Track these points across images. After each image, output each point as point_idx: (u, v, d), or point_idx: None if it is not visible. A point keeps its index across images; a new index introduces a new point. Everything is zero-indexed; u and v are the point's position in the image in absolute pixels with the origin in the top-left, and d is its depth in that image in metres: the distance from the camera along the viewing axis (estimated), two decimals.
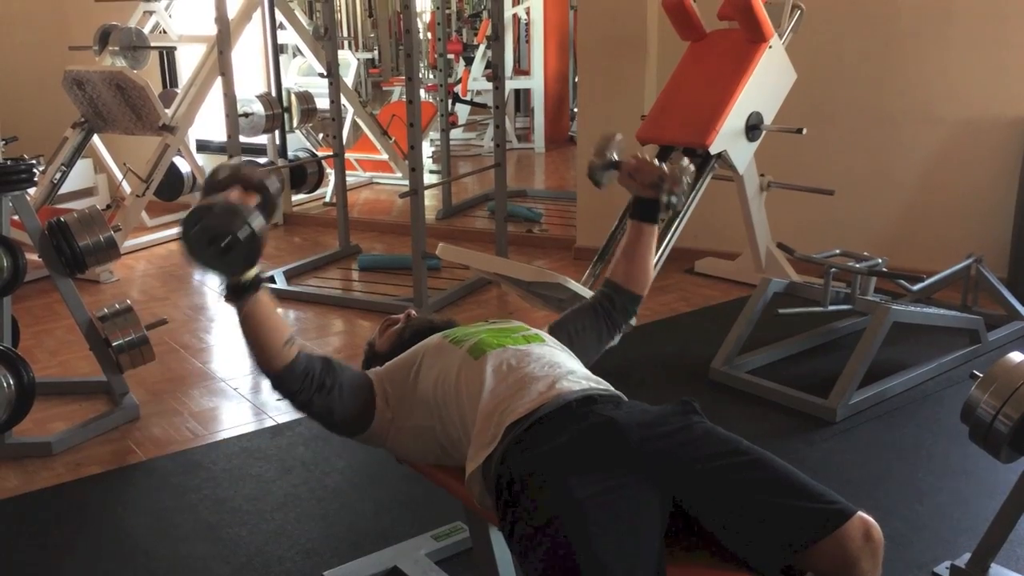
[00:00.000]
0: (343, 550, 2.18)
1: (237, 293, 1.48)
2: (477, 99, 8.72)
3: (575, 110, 8.64)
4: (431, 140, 6.99)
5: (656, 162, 1.86)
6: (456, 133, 8.09)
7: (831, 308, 3.08)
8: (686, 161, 1.85)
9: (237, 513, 2.36)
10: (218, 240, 1.38)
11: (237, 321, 1.54)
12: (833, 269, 3.06)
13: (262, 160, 5.40)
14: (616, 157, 1.85)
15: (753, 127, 3.57)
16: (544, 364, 1.64)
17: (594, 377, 1.68)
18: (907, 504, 2.37)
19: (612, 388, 1.65)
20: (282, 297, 4.15)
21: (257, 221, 1.42)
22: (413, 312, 2.01)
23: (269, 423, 2.89)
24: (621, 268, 1.92)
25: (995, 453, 1.90)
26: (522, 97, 9.25)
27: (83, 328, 2.90)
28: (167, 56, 5.91)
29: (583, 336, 1.85)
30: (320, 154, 5.86)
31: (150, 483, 2.56)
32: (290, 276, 4.42)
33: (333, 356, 1.74)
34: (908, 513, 2.33)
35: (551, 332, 1.85)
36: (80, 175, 5.50)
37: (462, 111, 8.59)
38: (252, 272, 1.47)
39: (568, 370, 1.64)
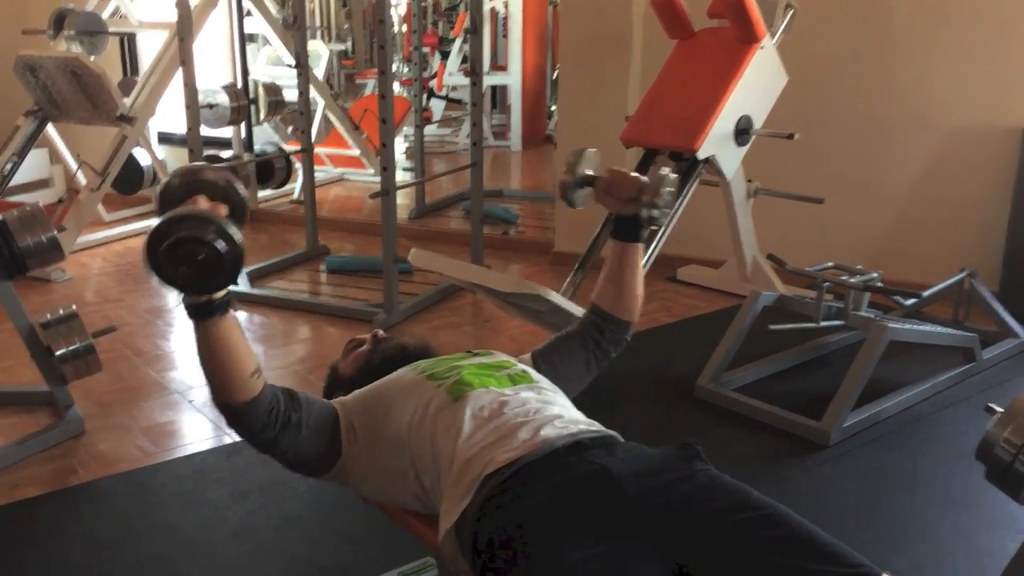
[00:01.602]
0: None
1: (207, 313, 1.27)
2: (453, 94, 8.51)
3: (552, 108, 8.48)
4: (405, 136, 6.79)
5: (634, 174, 1.67)
6: (430, 129, 7.88)
7: (823, 324, 2.94)
8: (667, 171, 1.65)
9: (187, 543, 2.16)
10: (194, 256, 1.17)
11: (199, 345, 1.32)
12: (826, 284, 2.91)
13: (226, 154, 5.17)
14: (590, 172, 1.67)
15: (743, 131, 3.41)
16: (528, 409, 1.47)
17: (584, 419, 1.51)
18: (908, 539, 2.23)
19: (604, 428, 1.48)
20: (246, 300, 3.94)
21: (236, 232, 1.22)
22: (381, 333, 1.83)
23: (226, 440, 2.69)
24: (606, 294, 1.75)
25: (1014, 495, 1.75)
26: (498, 93, 9.05)
27: (23, 335, 2.68)
28: (128, 43, 5.65)
29: (569, 365, 1.69)
30: (288, 148, 5.63)
31: (93, 508, 2.34)
32: (254, 277, 4.20)
33: (301, 366, 1.56)
34: (909, 549, 2.18)
35: (536, 359, 1.68)
36: (34, 166, 5.25)
37: (437, 106, 8.38)
38: (224, 290, 1.27)
39: (555, 415, 1.46)
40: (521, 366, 1.67)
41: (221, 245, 1.18)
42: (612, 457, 1.35)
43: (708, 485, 1.30)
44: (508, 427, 1.42)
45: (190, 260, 1.17)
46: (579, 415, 1.54)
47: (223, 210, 1.28)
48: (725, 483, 1.32)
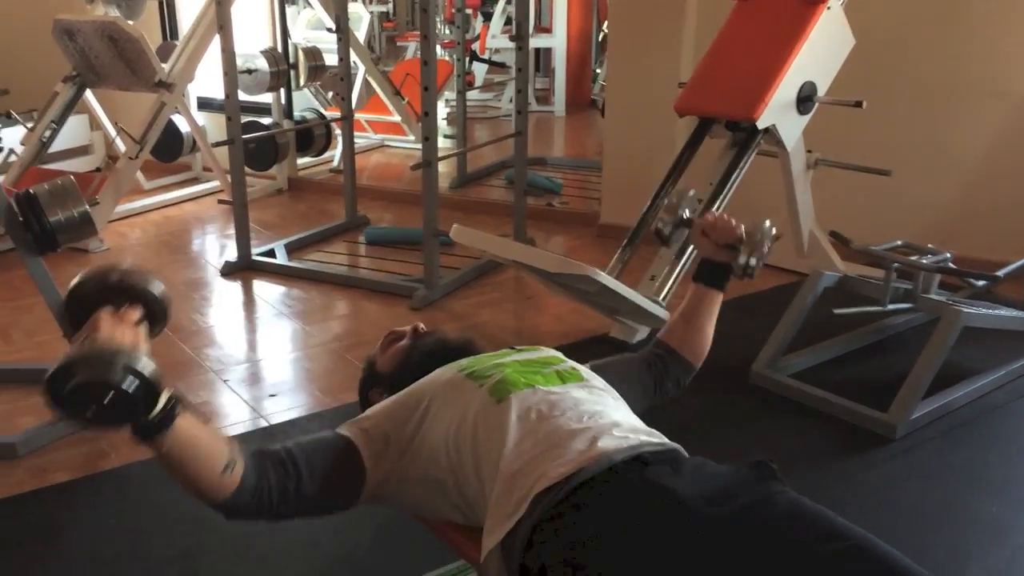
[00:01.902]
0: None
1: (150, 433, 1.12)
2: (496, 57, 8.30)
3: (597, 71, 8.24)
4: (446, 100, 6.64)
5: (735, 221, 1.63)
6: (472, 94, 7.69)
7: (891, 307, 2.75)
8: (768, 224, 1.61)
9: (218, 536, 2.08)
10: (98, 401, 1.04)
11: (159, 462, 1.17)
12: (896, 265, 2.72)
13: (265, 121, 5.06)
14: (688, 214, 1.70)
15: (805, 99, 3.20)
16: (582, 413, 1.33)
17: (644, 427, 1.37)
18: (981, 545, 2.07)
19: (666, 440, 1.34)
20: (283, 274, 3.85)
21: (142, 362, 1.06)
22: (421, 326, 1.70)
23: (262, 424, 2.61)
24: (678, 332, 1.67)
25: None
26: (542, 56, 8.82)
27: (55, 312, 2.60)
28: (167, 6, 5.55)
29: (626, 387, 1.54)
30: (328, 115, 5.51)
31: (124, 496, 2.27)
32: (292, 249, 4.10)
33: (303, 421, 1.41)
34: (983, 556, 2.03)
35: (593, 370, 1.54)
36: (74, 132, 5.20)
37: (479, 70, 8.18)
38: (159, 406, 1.10)
39: (612, 422, 1.33)
40: (571, 362, 1.54)
41: (129, 382, 1.04)
42: (678, 477, 1.21)
43: (787, 512, 1.16)
44: (560, 435, 1.29)
45: (97, 402, 1.04)
46: (637, 421, 1.41)
47: (135, 314, 1.13)
48: (806, 508, 1.17)
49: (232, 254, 3.98)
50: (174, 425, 1.12)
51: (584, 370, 1.52)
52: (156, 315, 1.17)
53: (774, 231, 1.62)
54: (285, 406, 2.71)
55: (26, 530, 2.12)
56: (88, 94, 4.85)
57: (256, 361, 3.09)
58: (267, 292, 3.71)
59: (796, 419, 2.62)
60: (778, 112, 3.14)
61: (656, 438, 1.33)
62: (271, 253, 3.99)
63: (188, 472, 1.19)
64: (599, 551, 1.11)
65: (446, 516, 1.41)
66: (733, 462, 1.33)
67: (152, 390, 1.06)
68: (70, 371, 1.03)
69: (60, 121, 4.74)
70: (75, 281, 1.12)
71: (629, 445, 1.26)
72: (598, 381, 1.49)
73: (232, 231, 4.01)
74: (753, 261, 1.59)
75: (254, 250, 3.96)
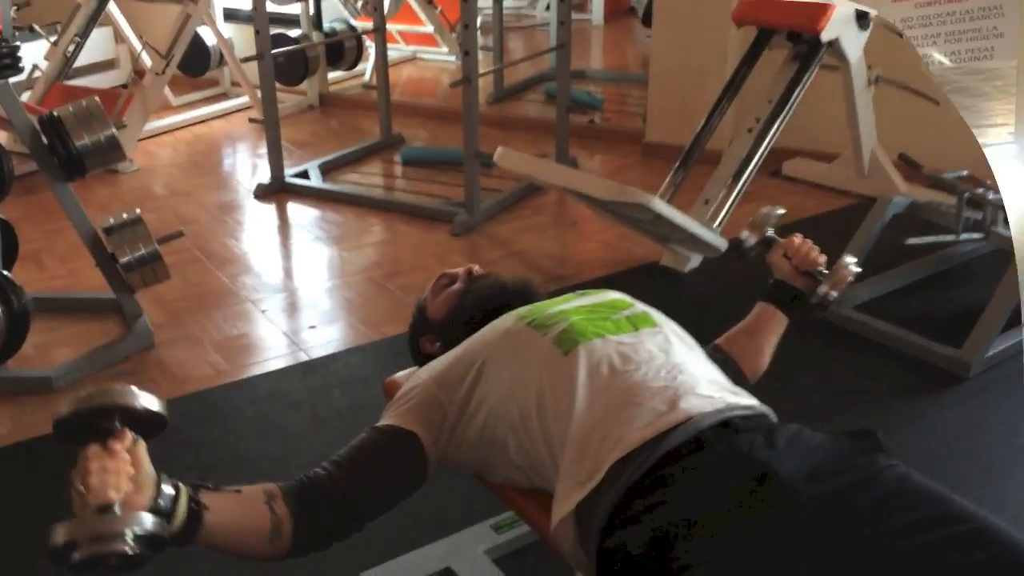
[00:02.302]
0: (383, 538, 1.81)
1: (180, 543, 1.03)
2: None
3: None
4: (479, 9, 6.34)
5: (818, 249, 1.56)
6: (505, 1, 7.36)
7: (963, 238, 2.59)
8: (853, 259, 1.55)
9: (259, 479, 2.01)
10: (106, 566, 0.95)
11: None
12: (967, 194, 2.54)
13: (294, 33, 4.85)
14: (771, 233, 1.64)
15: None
16: (659, 366, 1.21)
17: (728, 384, 1.24)
18: None
19: (754, 401, 1.22)
20: (317, 196, 3.72)
21: (139, 521, 0.95)
22: (476, 268, 1.56)
23: (302, 358, 2.52)
24: (739, 344, 1.55)
25: None
26: None
27: (87, 241, 2.52)
28: None
29: None
30: (359, 26, 5.28)
31: (162, 434, 2.20)
32: (326, 170, 3.96)
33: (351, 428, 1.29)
34: None
35: None
36: (99, 46, 5.03)
37: None
38: (176, 523, 1.00)
39: (693, 377, 1.20)
40: (641, 306, 1.40)
41: (130, 547, 0.94)
42: (773, 450, 1.09)
43: (897, 490, 1.04)
44: (636, 392, 1.17)
45: (105, 567, 0.95)
46: (720, 375, 1.28)
47: (124, 442, 1.00)
48: (917, 485, 1.05)
49: (264, 175, 3.86)
50: (201, 525, 1.03)
51: (656, 314, 1.39)
52: (151, 428, 1.05)
53: (857, 269, 1.56)
54: (325, 339, 2.62)
55: (65, 467, 2.06)
56: (111, 6, 4.66)
57: (293, 290, 2.99)
58: (301, 215, 3.60)
59: (860, 355, 2.49)
60: (842, 24, 2.93)
61: (744, 399, 1.21)
62: (304, 174, 3.86)
63: (235, 552, 1.11)
64: (690, 537, 0.99)
65: (506, 477, 1.31)
66: (798, 404, 1.21)
67: (157, 540, 0.97)
68: (69, 549, 0.94)
69: (84, 35, 4.57)
70: (60, 413, 0.99)
71: (715, 408, 1.14)
72: (673, 327, 1.36)
73: (263, 150, 3.87)
74: (833, 294, 1.52)
75: (287, 171, 3.83)
